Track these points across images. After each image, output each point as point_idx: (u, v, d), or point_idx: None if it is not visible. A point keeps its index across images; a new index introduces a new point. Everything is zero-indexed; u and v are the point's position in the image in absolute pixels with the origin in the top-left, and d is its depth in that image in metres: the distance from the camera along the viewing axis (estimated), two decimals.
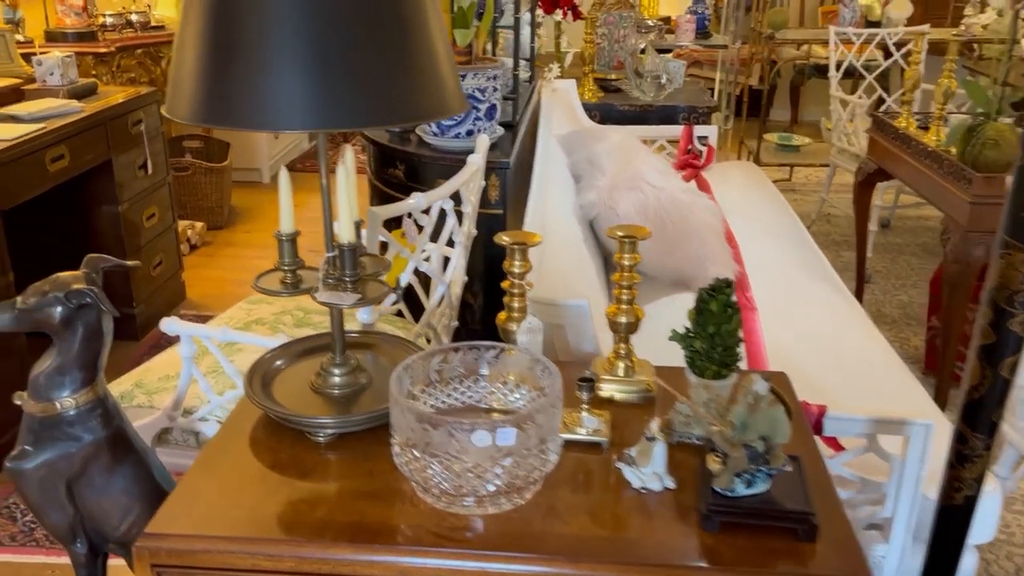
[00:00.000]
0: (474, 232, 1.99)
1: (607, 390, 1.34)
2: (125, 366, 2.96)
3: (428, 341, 1.86)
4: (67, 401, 1.37)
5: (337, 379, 1.28)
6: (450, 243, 1.86)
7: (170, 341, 3.39)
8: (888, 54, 4.57)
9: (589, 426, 1.23)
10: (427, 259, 1.80)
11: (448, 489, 1.06)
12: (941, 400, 2.57)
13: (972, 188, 2.30)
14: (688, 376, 1.31)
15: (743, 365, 1.47)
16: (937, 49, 4.60)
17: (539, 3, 3.62)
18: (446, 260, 1.90)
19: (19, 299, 1.34)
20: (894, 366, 2.04)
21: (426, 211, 1.71)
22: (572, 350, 1.58)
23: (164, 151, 3.46)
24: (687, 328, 1.29)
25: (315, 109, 1.04)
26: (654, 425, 1.11)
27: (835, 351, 2.08)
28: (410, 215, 1.66)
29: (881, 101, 4.58)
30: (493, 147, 2.12)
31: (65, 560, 1.99)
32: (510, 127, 2.51)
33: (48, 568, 2.12)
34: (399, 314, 1.99)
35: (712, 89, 5.72)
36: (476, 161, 1.89)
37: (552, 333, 1.61)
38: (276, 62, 1.03)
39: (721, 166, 3.65)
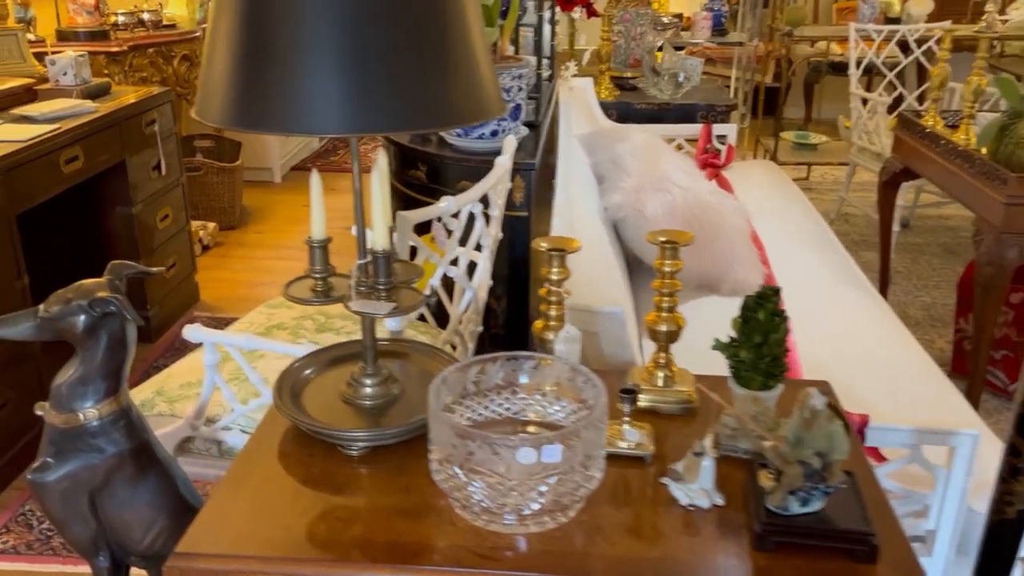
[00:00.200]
0: (500, 235, 1.95)
1: (646, 400, 1.30)
2: (139, 368, 2.94)
3: (453, 348, 1.82)
4: (90, 412, 1.33)
5: (369, 389, 1.24)
6: (477, 247, 1.82)
7: (184, 343, 3.38)
8: (905, 51, 4.51)
9: (631, 439, 1.19)
10: (453, 263, 1.75)
11: (489, 507, 1.02)
12: (971, 405, 2.52)
13: (1007, 188, 2.25)
14: (732, 387, 1.26)
15: None
16: (958, 46, 4.53)
17: (556, 0, 3.57)
18: (471, 264, 1.85)
19: (41, 307, 1.30)
20: (931, 372, 1.99)
21: (455, 215, 1.66)
22: (606, 358, 1.54)
23: (177, 151, 3.43)
24: (731, 337, 1.25)
25: (351, 112, 1.00)
26: (707, 442, 1.06)
27: (869, 356, 2.03)
28: (439, 219, 1.61)
29: (900, 99, 4.52)
30: (517, 148, 2.08)
31: (83, 569, 1.95)
32: (533, 127, 2.46)
33: None
34: (421, 318, 1.95)
35: (728, 87, 5.66)
36: (504, 163, 1.85)
37: (584, 341, 1.57)
38: (311, 64, 0.98)
39: (741, 165, 3.60)
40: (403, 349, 1.38)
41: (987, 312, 2.36)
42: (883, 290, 3.37)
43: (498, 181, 1.82)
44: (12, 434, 2.41)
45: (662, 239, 1.25)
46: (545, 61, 2.79)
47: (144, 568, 1.48)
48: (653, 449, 1.19)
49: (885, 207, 3.24)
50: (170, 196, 3.36)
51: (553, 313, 1.28)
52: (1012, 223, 2.26)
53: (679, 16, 5.53)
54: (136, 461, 1.38)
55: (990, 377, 2.82)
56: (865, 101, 4.10)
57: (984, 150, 2.49)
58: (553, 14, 3.07)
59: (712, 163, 3.29)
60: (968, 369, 2.62)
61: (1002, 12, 4.53)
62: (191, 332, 1.54)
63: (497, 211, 1.87)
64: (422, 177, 2.34)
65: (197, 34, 4.19)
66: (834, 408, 1.01)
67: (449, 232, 1.65)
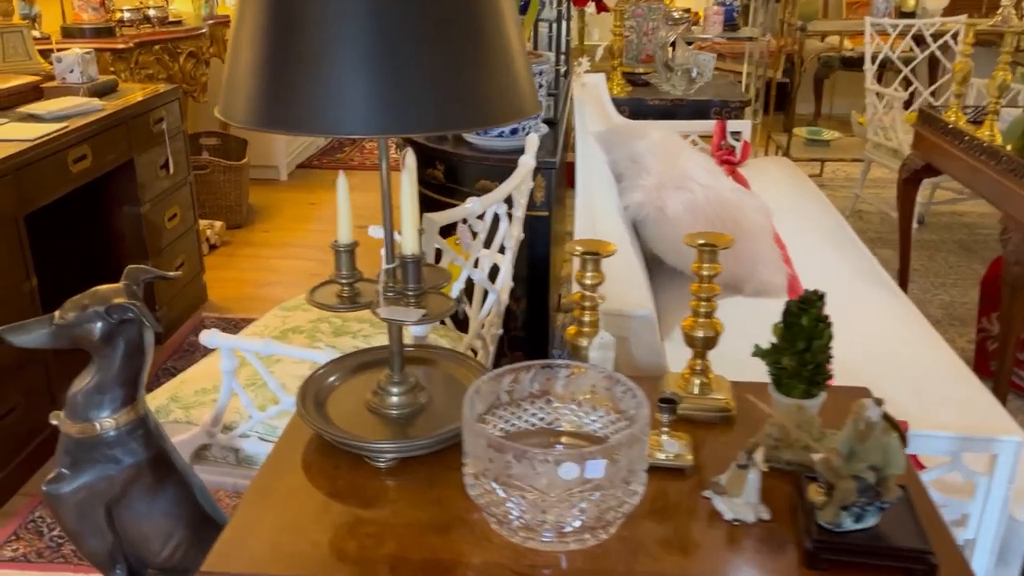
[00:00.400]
0: (522, 236, 1.90)
1: (682, 408, 1.25)
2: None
3: (475, 352, 1.77)
4: (107, 421, 1.29)
5: (395, 399, 1.20)
6: (500, 249, 1.77)
7: (193, 345, 3.33)
8: (919, 45, 4.45)
9: (670, 450, 1.14)
10: (475, 265, 1.71)
11: (528, 523, 0.98)
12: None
13: None
14: (773, 395, 1.22)
15: None
16: (975, 41, 4.47)
17: None
18: (492, 266, 1.81)
19: (57, 314, 1.26)
20: (960, 373, 1.94)
21: (480, 216, 1.62)
22: (637, 364, 1.49)
23: (185, 150, 3.38)
24: (772, 343, 1.21)
25: (381, 113, 0.96)
26: (757, 455, 1.01)
27: (895, 357, 1.98)
28: (465, 221, 1.57)
29: (913, 94, 4.46)
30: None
31: None
32: (551, 124, 2.41)
33: None
34: (441, 321, 1.91)
35: (740, 82, 5.60)
36: (528, 163, 1.80)
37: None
38: (340, 62, 0.94)
39: (756, 162, 3.54)
40: (429, 355, 1.33)
41: (1016, 312, 2.31)
42: (903, 288, 3.32)
43: (522, 181, 1.78)
44: (21, 439, 2.37)
45: (700, 241, 1.20)
46: (561, 57, 2.74)
47: None
48: (692, 460, 1.14)
49: (905, 204, 3.19)
50: (178, 195, 3.32)
51: (587, 319, 1.23)
52: None
53: (688, 11, 5.47)
54: (154, 471, 1.34)
55: (1013, 377, 2.77)
56: (881, 96, 4.05)
57: (1009, 147, 2.44)
58: (569, 10, 3.02)
59: (728, 160, 3.23)
60: (991, 369, 2.57)
61: (1017, 6, 4.47)
62: (208, 337, 1.49)
63: (520, 211, 1.83)
64: (439, 176, 2.29)
65: (203, 30, 4.14)
66: (890, 420, 0.97)
67: (475, 234, 1.61)
